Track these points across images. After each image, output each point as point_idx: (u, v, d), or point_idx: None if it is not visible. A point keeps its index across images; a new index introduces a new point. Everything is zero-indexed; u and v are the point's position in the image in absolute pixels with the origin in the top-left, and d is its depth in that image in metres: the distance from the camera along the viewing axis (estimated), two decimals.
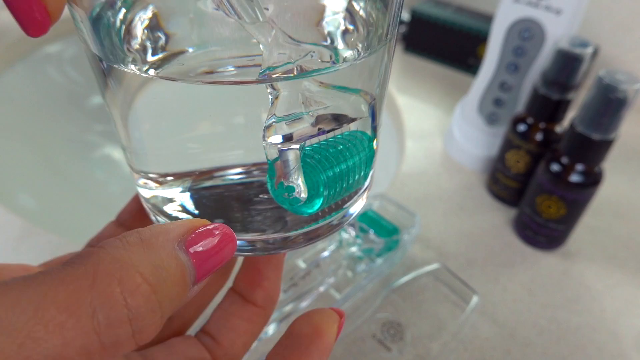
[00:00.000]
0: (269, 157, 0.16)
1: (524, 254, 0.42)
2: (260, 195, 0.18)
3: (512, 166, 0.45)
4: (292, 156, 0.16)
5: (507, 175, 0.45)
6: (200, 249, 0.14)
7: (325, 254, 0.39)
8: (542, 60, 0.43)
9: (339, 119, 0.17)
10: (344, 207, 0.20)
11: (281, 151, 0.16)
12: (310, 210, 0.17)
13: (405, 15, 0.73)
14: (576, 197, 0.38)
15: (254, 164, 0.17)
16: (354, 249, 0.39)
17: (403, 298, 0.37)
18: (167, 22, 0.15)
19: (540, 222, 0.41)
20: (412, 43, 0.71)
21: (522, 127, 0.43)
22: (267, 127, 0.15)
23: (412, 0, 0.78)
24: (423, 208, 0.46)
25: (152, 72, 0.15)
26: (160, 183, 0.18)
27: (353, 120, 0.17)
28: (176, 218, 0.18)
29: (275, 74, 0.15)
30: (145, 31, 0.15)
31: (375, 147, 0.18)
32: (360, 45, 0.17)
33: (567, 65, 0.39)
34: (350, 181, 0.18)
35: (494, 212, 0.46)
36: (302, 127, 0.16)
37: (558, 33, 0.42)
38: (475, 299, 0.36)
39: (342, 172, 0.17)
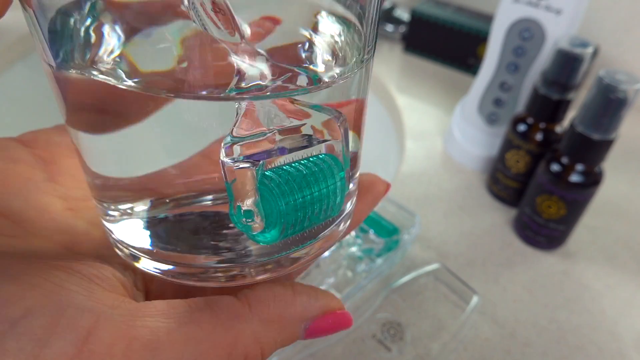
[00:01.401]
0: (227, 178, 0.15)
1: (524, 254, 0.42)
2: (226, 222, 0.16)
3: (512, 166, 0.45)
4: (248, 177, 0.15)
5: (507, 175, 0.45)
6: (319, 332, 0.16)
7: (326, 254, 0.39)
8: (542, 60, 0.43)
9: (305, 140, 0.16)
10: (309, 241, 0.18)
11: (236, 171, 0.15)
12: (267, 239, 0.16)
13: (405, 15, 0.73)
14: (576, 197, 0.38)
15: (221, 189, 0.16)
16: (354, 249, 0.39)
17: (403, 298, 0.37)
18: (129, 33, 0.14)
19: (540, 222, 0.41)
20: (412, 43, 0.71)
21: (522, 127, 0.43)
22: (225, 145, 0.14)
23: (412, 0, 0.78)
24: (423, 208, 0.46)
25: (128, 82, 0.14)
26: (126, 213, 0.17)
27: (321, 142, 0.16)
28: (146, 251, 0.17)
29: (246, 94, 0.14)
30: (109, 46, 0.14)
31: (346, 177, 0.17)
32: (336, 68, 0.16)
33: (567, 65, 0.39)
34: (316, 211, 0.16)
35: (494, 212, 0.46)
36: (261, 144, 0.15)
37: (558, 33, 0.42)
38: (475, 299, 0.36)
39: (305, 199, 0.16)
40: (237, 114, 0.14)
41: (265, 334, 0.15)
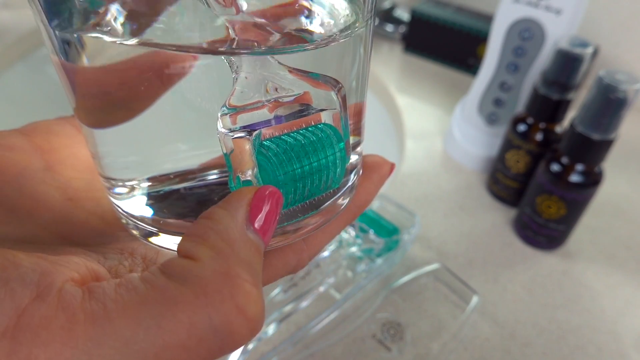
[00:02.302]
0: (225, 149, 0.15)
1: (524, 254, 0.42)
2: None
3: (512, 166, 0.45)
4: (245, 147, 0.15)
5: (507, 175, 0.45)
6: (262, 221, 0.15)
7: (325, 254, 0.39)
8: (542, 60, 0.43)
9: (303, 108, 0.15)
10: (312, 212, 0.17)
11: (233, 141, 0.14)
12: None
13: (405, 15, 0.73)
14: (576, 197, 0.38)
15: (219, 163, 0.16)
16: (354, 249, 0.39)
17: (403, 298, 0.37)
18: (135, 13, 0.14)
19: (540, 222, 0.41)
20: (412, 43, 0.71)
21: (522, 127, 0.43)
22: (222, 115, 0.14)
23: (412, 0, 0.78)
24: (423, 208, 0.46)
25: (133, 40, 0.13)
26: (133, 188, 0.17)
27: (318, 111, 0.16)
28: (156, 224, 0.17)
29: (240, 49, 0.14)
30: (115, 17, 0.14)
31: (346, 147, 0.17)
32: (334, 29, 0.16)
33: (567, 65, 0.39)
34: (316, 182, 0.16)
35: (494, 212, 0.46)
36: (258, 114, 0.15)
37: (558, 33, 0.42)
38: (475, 299, 0.36)
39: (304, 169, 0.15)
40: (233, 83, 0.14)
41: (227, 263, 0.13)
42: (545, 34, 0.42)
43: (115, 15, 0.13)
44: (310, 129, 0.16)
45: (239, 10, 0.14)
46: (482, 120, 0.50)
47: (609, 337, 0.36)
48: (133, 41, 0.13)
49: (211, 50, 0.14)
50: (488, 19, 0.66)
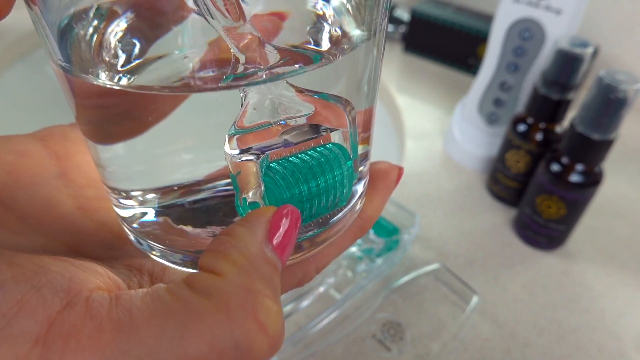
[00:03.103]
0: (232, 170, 0.15)
1: (524, 254, 0.42)
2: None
3: (512, 166, 0.45)
4: (252, 169, 0.15)
5: (507, 175, 0.45)
6: (280, 239, 0.15)
7: None
8: (542, 60, 0.43)
9: (312, 130, 0.15)
10: (322, 228, 0.17)
11: (240, 163, 0.14)
12: None
13: (405, 15, 0.73)
14: (576, 197, 0.38)
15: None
16: (354, 249, 0.39)
17: (403, 298, 0.37)
18: (139, 34, 0.14)
19: (540, 222, 0.41)
20: (412, 43, 0.71)
21: (522, 127, 0.43)
22: (229, 137, 0.14)
23: (412, 0, 0.78)
24: (423, 208, 0.46)
25: (124, 81, 0.14)
26: (142, 201, 0.17)
27: (328, 131, 0.15)
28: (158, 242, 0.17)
29: (243, 80, 0.14)
30: (116, 42, 0.14)
31: (354, 165, 0.16)
32: (343, 44, 0.16)
33: (567, 65, 0.39)
34: (323, 202, 0.16)
35: (494, 212, 0.46)
36: (266, 135, 0.15)
37: (558, 33, 0.42)
38: (475, 299, 0.36)
39: (311, 191, 0.15)
40: (242, 104, 0.14)
41: (249, 279, 0.14)
42: (545, 34, 0.42)
43: (114, 43, 0.14)
44: (318, 149, 0.15)
45: (245, 21, 0.13)
46: (482, 120, 0.50)
47: (609, 337, 0.36)
48: (127, 82, 0.13)
49: (211, 88, 0.14)
50: (488, 19, 0.66)
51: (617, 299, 0.39)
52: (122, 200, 0.17)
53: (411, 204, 0.46)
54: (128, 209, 0.17)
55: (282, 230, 0.15)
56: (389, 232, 0.40)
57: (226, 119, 0.14)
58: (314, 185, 0.15)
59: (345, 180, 0.16)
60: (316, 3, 0.15)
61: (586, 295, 0.39)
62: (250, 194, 0.15)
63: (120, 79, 0.14)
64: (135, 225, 0.17)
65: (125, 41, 0.14)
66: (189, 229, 0.17)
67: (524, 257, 0.42)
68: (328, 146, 0.16)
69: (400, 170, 0.21)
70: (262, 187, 0.15)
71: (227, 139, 0.14)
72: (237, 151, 0.14)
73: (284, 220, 0.15)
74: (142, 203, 0.16)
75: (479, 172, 0.51)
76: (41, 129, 0.18)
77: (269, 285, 0.14)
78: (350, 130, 0.16)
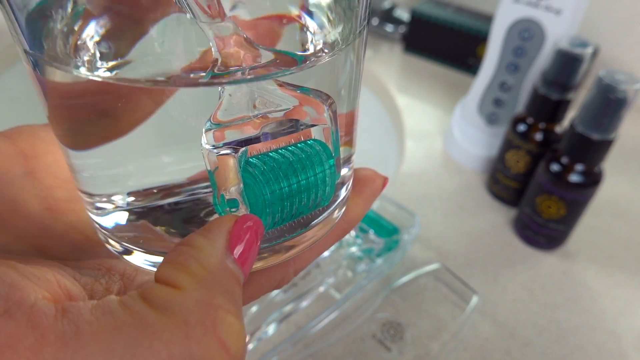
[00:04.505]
0: (209, 166, 0.14)
1: (524, 254, 0.42)
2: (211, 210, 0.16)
3: (512, 166, 0.45)
4: (230, 164, 0.14)
5: (507, 175, 0.45)
6: (241, 250, 0.14)
7: (326, 254, 0.39)
8: (542, 60, 0.43)
9: (292, 125, 0.15)
10: (302, 230, 0.17)
11: (218, 157, 0.14)
12: None
13: (405, 15, 0.73)
14: (576, 197, 0.38)
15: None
16: (354, 249, 0.39)
17: (403, 298, 0.37)
18: (119, 33, 0.13)
19: (540, 222, 0.41)
20: (412, 43, 0.71)
21: (522, 127, 0.43)
22: (206, 130, 0.14)
23: (412, 0, 0.78)
24: (423, 208, 0.46)
25: (106, 74, 0.13)
26: (113, 204, 0.16)
27: (308, 126, 0.15)
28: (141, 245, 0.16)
29: (223, 78, 0.13)
30: (93, 39, 0.13)
31: (336, 164, 0.16)
32: (325, 45, 0.15)
33: (567, 65, 0.39)
34: (304, 200, 0.15)
35: (494, 212, 0.46)
36: (244, 130, 0.14)
37: (558, 33, 0.42)
38: (475, 299, 0.36)
39: (291, 188, 0.15)
40: (220, 96, 0.14)
41: (209, 293, 0.13)
42: (545, 34, 0.42)
43: (92, 43, 0.13)
44: (299, 145, 0.15)
45: (224, 19, 0.13)
46: (482, 120, 0.50)
47: (609, 337, 0.36)
48: (107, 75, 0.13)
49: (192, 82, 0.13)
50: (488, 19, 0.66)
51: (617, 299, 0.39)
52: (97, 204, 0.16)
53: (411, 204, 0.46)
54: (104, 213, 0.16)
55: (243, 240, 0.14)
56: (389, 232, 0.40)
57: (205, 120, 0.14)
58: (294, 182, 0.15)
59: (327, 179, 0.16)
60: (298, 11, 0.15)
61: (586, 295, 0.39)
62: (228, 190, 0.15)
63: (100, 71, 0.13)
64: (109, 226, 0.16)
65: (103, 41, 0.13)
66: (167, 230, 0.16)
67: (523, 257, 0.42)
68: (309, 142, 0.15)
69: (385, 180, 0.21)
70: (241, 183, 0.14)
71: (203, 132, 0.14)
72: (214, 145, 0.14)
73: (245, 229, 0.14)
74: (118, 206, 0.16)
75: (479, 172, 0.51)
76: (11, 128, 0.18)
77: (230, 299, 0.13)
78: (331, 127, 0.15)
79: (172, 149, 0.15)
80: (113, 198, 0.16)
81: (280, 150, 0.15)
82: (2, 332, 0.11)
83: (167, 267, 0.13)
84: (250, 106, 0.14)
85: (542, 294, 0.39)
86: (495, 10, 0.45)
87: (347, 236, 0.40)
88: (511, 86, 0.47)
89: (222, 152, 0.14)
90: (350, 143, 0.18)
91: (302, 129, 0.15)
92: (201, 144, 0.14)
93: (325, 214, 0.17)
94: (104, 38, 0.13)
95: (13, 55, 0.66)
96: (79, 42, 0.13)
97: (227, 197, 0.15)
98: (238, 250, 0.14)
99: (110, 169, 0.16)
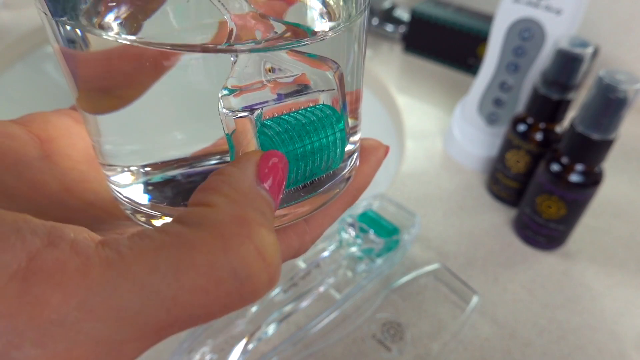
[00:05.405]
0: (226, 129, 0.15)
1: (524, 254, 0.42)
2: None
3: (512, 166, 0.45)
4: (247, 126, 0.15)
5: (507, 175, 0.45)
6: (270, 180, 0.15)
7: (325, 254, 0.39)
8: (542, 60, 0.43)
9: (302, 90, 0.16)
10: (313, 193, 0.18)
11: (235, 120, 0.15)
12: None
13: (405, 15, 0.73)
14: (576, 197, 0.38)
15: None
16: (354, 249, 0.39)
17: (403, 298, 0.37)
18: (136, 8, 0.14)
19: (540, 222, 0.41)
20: (412, 43, 0.71)
21: (522, 127, 0.43)
22: (222, 97, 0.14)
23: (412, 0, 0.78)
24: (423, 208, 0.46)
25: (133, 37, 0.14)
26: (134, 174, 0.17)
27: (317, 92, 0.16)
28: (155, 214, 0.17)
29: (239, 46, 0.14)
30: (115, 20, 0.14)
31: (345, 128, 0.17)
32: (330, 22, 0.16)
33: (567, 65, 0.39)
34: (317, 162, 0.16)
35: (494, 212, 0.46)
36: (258, 94, 0.15)
37: (558, 33, 0.42)
38: (475, 299, 0.36)
39: (305, 148, 0.16)
40: (232, 65, 0.14)
41: (243, 209, 0.13)
42: (545, 34, 0.42)
43: (113, 12, 0.14)
44: (309, 109, 0.16)
45: None
46: (482, 120, 0.50)
47: (609, 337, 0.36)
48: (129, 38, 0.14)
49: (210, 49, 0.14)
50: (488, 19, 0.66)
51: (617, 299, 0.39)
52: (117, 175, 0.17)
53: (411, 204, 0.46)
54: (126, 184, 0.17)
55: (271, 171, 0.15)
56: (389, 232, 0.40)
57: (220, 88, 0.15)
58: (307, 142, 0.16)
59: (337, 141, 0.16)
60: None
61: (586, 295, 0.39)
62: (245, 152, 0.15)
63: (123, 35, 0.14)
64: (130, 196, 0.17)
65: (123, 20, 0.14)
66: (183, 200, 0.17)
67: (524, 257, 0.42)
68: (319, 106, 0.16)
69: (387, 148, 0.21)
70: (258, 145, 0.15)
71: (220, 98, 0.14)
72: (231, 109, 0.14)
73: (271, 162, 0.15)
74: (137, 176, 0.17)
75: (479, 172, 0.51)
76: (23, 115, 0.18)
77: (262, 216, 0.14)
78: (338, 93, 0.16)
79: (186, 121, 0.16)
80: (132, 169, 0.17)
81: (292, 114, 0.15)
82: (49, 258, 0.11)
83: (200, 192, 0.14)
84: (263, 72, 0.15)
85: (542, 294, 0.39)
86: (495, 10, 0.45)
87: (347, 236, 0.40)
88: (511, 86, 0.47)
89: (239, 115, 0.15)
90: (355, 116, 0.19)
91: (311, 94, 0.16)
92: (219, 109, 0.14)
93: (336, 178, 0.18)
94: (124, 18, 0.14)
95: (13, 55, 0.66)
96: (102, 22, 0.14)
97: None
98: (267, 181, 0.15)
99: (129, 142, 0.16)
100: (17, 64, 0.66)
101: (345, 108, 0.17)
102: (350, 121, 0.18)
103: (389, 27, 0.74)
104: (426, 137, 0.56)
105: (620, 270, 0.42)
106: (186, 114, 0.16)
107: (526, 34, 0.44)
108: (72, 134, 0.19)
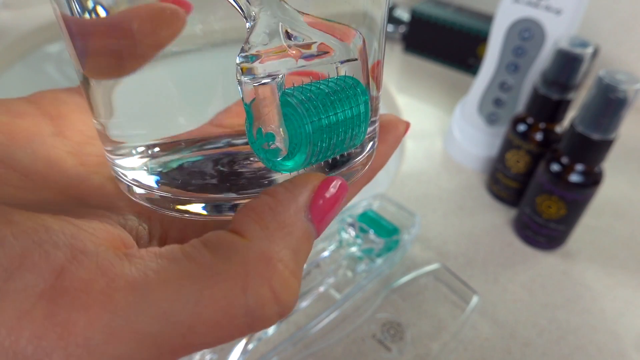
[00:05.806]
0: (245, 99, 0.14)
1: (524, 254, 0.42)
2: (249, 160, 0.16)
3: (512, 166, 0.45)
4: (268, 93, 0.14)
5: (507, 175, 0.45)
6: (322, 209, 0.15)
7: (325, 254, 0.39)
8: (542, 60, 0.43)
9: (326, 57, 0.15)
10: (333, 172, 0.17)
11: (256, 88, 0.14)
12: (290, 165, 0.15)
13: (405, 15, 0.73)
14: (576, 197, 0.38)
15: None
16: (354, 249, 0.39)
17: (403, 298, 0.37)
18: None
19: (540, 222, 0.41)
20: (412, 43, 0.71)
21: (522, 127, 0.43)
22: (239, 64, 0.13)
23: (412, 0, 0.78)
24: (423, 208, 0.46)
25: None
26: (146, 155, 0.16)
27: (340, 62, 0.15)
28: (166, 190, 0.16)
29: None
30: None
31: (370, 100, 0.16)
32: None
33: (567, 65, 0.39)
34: (341, 136, 0.15)
35: (494, 212, 0.46)
36: (278, 61, 0.14)
37: (558, 33, 0.42)
38: (475, 299, 0.36)
39: (329, 119, 0.15)
40: (248, 33, 0.13)
41: (274, 247, 0.13)
42: (545, 34, 0.42)
43: None
44: (332, 79, 0.15)
45: None
46: (482, 120, 0.50)
47: (609, 337, 0.36)
48: None
49: None
50: (488, 19, 0.66)
51: (617, 299, 0.39)
52: (125, 158, 0.16)
53: (411, 204, 0.46)
54: (133, 164, 0.16)
55: (326, 199, 0.15)
56: (389, 232, 0.40)
57: (236, 54, 0.14)
58: (331, 113, 0.15)
59: (361, 114, 0.15)
60: None
61: (586, 295, 0.39)
62: (266, 123, 0.14)
63: None
64: (141, 181, 0.16)
65: None
66: (199, 180, 0.16)
67: (524, 257, 0.42)
68: (341, 77, 0.15)
69: (407, 124, 0.21)
70: (280, 114, 0.14)
71: (237, 65, 0.13)
72: (251, 76, 0.13)
73: (331, 189, 0.15)
74: (145, 158, 0.16)
75: (479, 172, 0.51)
76: (33, 93, 0.18)
77: (293, 257, 0.14)
78: (361, 63, 0.15)
79: (196, 102, 0.15)
80: (140, 149, 0.16)
81: (314, 83, 0.15)
82: (75, 277, 0.11)
83: (243, 214, 0.14)
84: (283, 38, 0.14)
85: (542, 294, 0.39)
86: (495, 10, 0.45)
87: (347, 236, 0.40)
88: (511, 86, 0.47)
89: (259, 83, 0.14)
90: (378, 86, 0.18)
91: (333, 64, 0.15)
92: (237, 77, 0.14)
93: (360, 157, 0.18)
94: None
95: (13, 55, 0.66)
96: None
97: (264, 131, 0.14)
98: (318, 209, 0.15)
99: (140, 113, 0.16)
100: (17, 64, 0.66)
101: (368, 78, 0.16)
102: (374, 92, 0.17)
103: (389, 27, 0.74)
104: (426, 137, 0.56)
105: (620, 270, 0.42)
106: (196, 84, 0.15)
107: (526, 34, 0.44)
108: (83, 109, 0.18)
